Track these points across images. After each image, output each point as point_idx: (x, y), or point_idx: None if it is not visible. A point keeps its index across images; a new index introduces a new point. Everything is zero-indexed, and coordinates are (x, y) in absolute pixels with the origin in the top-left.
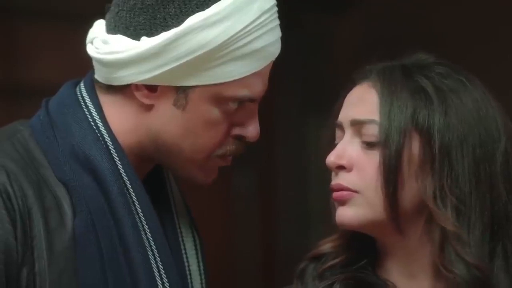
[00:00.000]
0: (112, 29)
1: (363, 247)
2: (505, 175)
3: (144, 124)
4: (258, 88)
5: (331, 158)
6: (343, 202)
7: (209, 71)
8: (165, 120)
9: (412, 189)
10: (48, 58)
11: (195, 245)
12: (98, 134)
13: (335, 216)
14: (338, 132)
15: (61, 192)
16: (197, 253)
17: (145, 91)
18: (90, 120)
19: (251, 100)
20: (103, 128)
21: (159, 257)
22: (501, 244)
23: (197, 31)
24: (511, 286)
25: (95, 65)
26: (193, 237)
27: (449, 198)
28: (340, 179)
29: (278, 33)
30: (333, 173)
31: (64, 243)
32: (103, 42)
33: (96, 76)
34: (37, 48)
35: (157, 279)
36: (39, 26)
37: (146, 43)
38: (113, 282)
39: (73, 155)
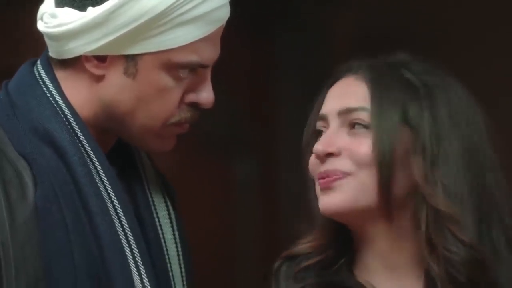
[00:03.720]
0: (59, 3)
1: (340, 246)
2: (490, 162)
3: (97, 96)
4: (208, 54)
5: (319, 147)
6: (332, 188)
7: (155, 38)
8: (117, 90)
9: (404, 172)
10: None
11: (169, 214)
12: (57, 108)
13: (318, 206)
14: (320, 124)
15: (22, 165)
16: (171, 222)
17: (95, 62)
18: (49, 95)
19: (202, 65)
20: (62, 102)
21: (127, 224)
22: (487, 227)
23: None
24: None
25: (47, 40)
26: (167, 206)
27: (440, 181)
28: (328, 165)
29: None
30: (316, 164)
31: (26, 215)
32: (51, 16)
33: (50, 53)
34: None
35: (124, 246)
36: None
37: (92, 12)
38: (78, 252)
39: (33, 129)
